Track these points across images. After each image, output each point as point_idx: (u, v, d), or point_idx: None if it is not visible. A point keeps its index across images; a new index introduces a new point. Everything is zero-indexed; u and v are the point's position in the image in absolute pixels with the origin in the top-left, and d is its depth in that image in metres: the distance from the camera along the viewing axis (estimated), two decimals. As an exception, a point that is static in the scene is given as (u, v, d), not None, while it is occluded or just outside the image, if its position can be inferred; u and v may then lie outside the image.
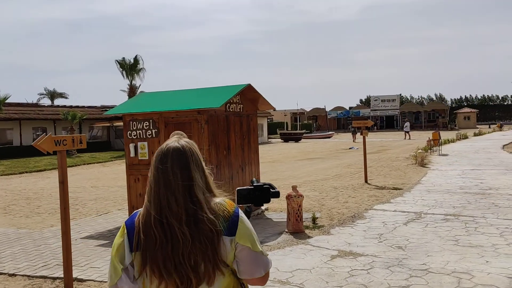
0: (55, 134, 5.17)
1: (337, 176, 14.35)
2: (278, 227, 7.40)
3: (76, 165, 23.44)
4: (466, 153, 20.80)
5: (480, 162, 16.64)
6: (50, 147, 4.70)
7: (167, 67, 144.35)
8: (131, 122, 8.15)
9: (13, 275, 5.62)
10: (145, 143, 8.01)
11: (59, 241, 7.00)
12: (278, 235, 6.90)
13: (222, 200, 1.58)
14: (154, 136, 7.94)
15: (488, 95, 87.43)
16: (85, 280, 5.27)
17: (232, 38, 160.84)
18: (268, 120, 49.91)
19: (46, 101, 53.71)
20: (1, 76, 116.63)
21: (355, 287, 4.62)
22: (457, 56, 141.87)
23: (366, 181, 12.53)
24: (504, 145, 25.41)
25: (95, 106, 38.28)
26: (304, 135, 44.19)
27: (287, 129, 51.53)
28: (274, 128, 52.34)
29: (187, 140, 1.63)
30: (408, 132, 38.39)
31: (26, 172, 21.12)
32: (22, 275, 5.59)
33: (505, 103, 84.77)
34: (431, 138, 23.19)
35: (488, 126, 60.19)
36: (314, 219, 7.60)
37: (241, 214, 1.59)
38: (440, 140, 22.61)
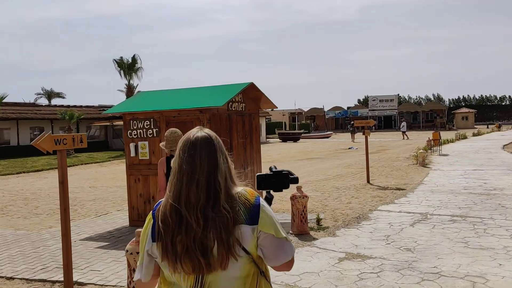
0: (53, 134, 5.01)
1: (338, 176, 14.21)
2: (282, 228, 7.24)
3: (73, 165, 23.21)
4: (467, 153, 20.72)
5: (481, 162, 16.55)
6: (50, 146, 4.53)
7: (164, 67, 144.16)
8: (131, 121, 7.99)
9: (11, 278, 5.45)
10: (146, 143, 7.85)
11: (58, 243, 6.83)
12: (283, 236, 6.73)
13: (243, 190, 1.60)
14: (155, 135, 7.78)
15: (486, 95, 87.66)
16: (85, 284, 5.11)
17: (230, 38, 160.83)
18: (266, 120, 49.79)
19: (44, 101, 53.36)
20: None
21: (365, 291, 4.47)
22: (455, 56, 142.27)
23: (368, 182, 12.40)
24: (504, 145, 25.35)
25: (93, 106, 38.05)
26: (302, 135, 44.07)
27: (285, 129, 51.39)
28: (272, 128, 52.20)
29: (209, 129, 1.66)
30: (404, 132, 38.29)
31: (24, 172, 20.89)
32: (20, 279, 5.41)
33: (503, 103, 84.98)
34: (431, 138, 23.09)
35: (486, 126, 60.24)
36: (318, 220, 7.46)
37: (262, 202, 1.61)
38: (440, 140, 22.49)
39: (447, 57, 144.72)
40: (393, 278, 4.78)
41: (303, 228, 6.80)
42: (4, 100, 25.48)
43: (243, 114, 8.53)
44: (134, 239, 4.35)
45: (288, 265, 1.61)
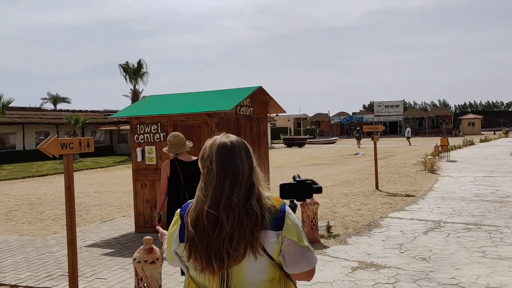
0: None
1: (346, 183, 14.02)
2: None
3: (78, 170, 23.13)
4: (475, 160, 20.46)
5: (491, 169, 16.30)
6: (56, 150, 4.40)
7: (168, 73, 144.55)
8: (138, 126, 7.87)
9: (15, 286, 5.31)
10: (153, 147, 7.72)
11: (63, 249, 6.70)
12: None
13: (270, 196, 1.64)
14: (162, 140, 7.64)
15: (492, 101, 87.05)
16: (91, 293, 4.96)
17: (234, 44, 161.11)
18: (271, 125, 49.62)
19: (49, 106, 53.51)
20: (5, 80, 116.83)
21: (382, 302, 4.29)
22: (461, 61, 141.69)
23: (377, 188, 12.20)
24: (512, 152, 25.06)
25: (98, 111, 38.10)
26: (307, 140, 43.87)
27: (290, 134, 51.21)
28: (277, 133, 52.01)
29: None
30: (409, 138, 38.03)
31: (29, 176, 20.84)
32: (25, 286, 5.27)
33: (510, 110, 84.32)
34: (438, 144, 22.86)
35: (493, 132, 59.74)
36: (328, 228, 7.28)
37: (288, 209, 1.63)
38: (448, 146, 22.25)
39: (453, 62, 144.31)
40: (410, 289, 4.60)
41: (313, 236, 6.62)
42: (10, 105, 25.51)
43: (251, 118, 8.40)
44: (142, 247, 4.20)
45: (308, 275, 1.61)
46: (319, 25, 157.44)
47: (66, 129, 31.07)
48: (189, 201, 1.67)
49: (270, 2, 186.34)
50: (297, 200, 1.83)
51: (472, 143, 33.82)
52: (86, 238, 7.59)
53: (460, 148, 29.78)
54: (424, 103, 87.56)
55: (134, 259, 4.14)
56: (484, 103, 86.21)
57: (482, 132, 58.44)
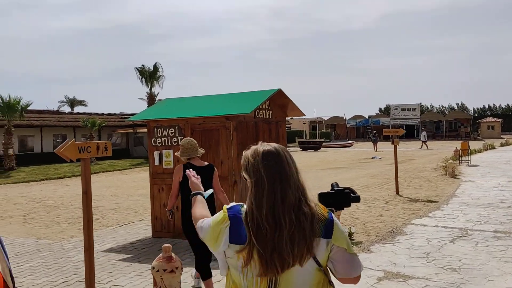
0: (76, 142, 4.81)
1: (364, 187, 13.73)
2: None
3: (95, 173, 23.25)
4: (497, 164, 19.92)
5: (515, 173, 15.82)
6: (74, 154, 4.29)
7: (182, 76, 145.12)
8: (155, 129, 7.76)
9: (31, 292, 5.22)
10: (170, 151, 7.60)
11: (80, 253, 6.61)
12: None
13: (317, 203, 1.70)
14: (179, 143, 7.50)
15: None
16: (108, 300, 4.83)
17: (247, 47, 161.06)
18: (286, 128, 49.32)
19: (66, 109, 54.28)
20: (23, 84, 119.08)
21: (412, 316, 4.06)
22: (480, 64, 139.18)
23: (397, 193, 11.90)
24: (535, 156, 24.36)
25: (114, 114, 38.38)
26: (323, 143, 43.48)
27: (305, 138, 50.87)
28: (292, 137, 51.72)
29: None
30: (425, 141, 37.33)
31: (46, 179, 21.01)
32: (41, 292, 5.18)
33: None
34: (459, 148, 22.34)
35: (513, 136, 58.39)
36: (350, 235, 7.06)
37: (335, 218, 1.69)
38: (469, 150, 21.72)
39: (471, 65, 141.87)
40: (441, 302, 4.35)
41: (335, 243, 6.40)
42: (28, 108, 25.84)
43: (269, 122, 8.22)
44: (160, 255, 4.06)
45: (356, 279, 1.69)
46: (334, 28, 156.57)
47: (83, 132, 31.34)
48: (235, 203, 1.74)
49: (284, 5, 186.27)
50: (336, 209, 1.84)
51: (492, 147, 33.04)
52: (102, 243, 7.49)
53: (480, 152, 29.10)
54: (442, 106, 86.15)
55: (153, 268, 3.99)
56: (503, 106, 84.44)
57: (502, 136, 57.14)
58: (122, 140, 35.50)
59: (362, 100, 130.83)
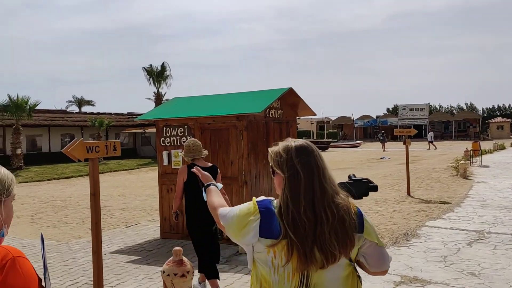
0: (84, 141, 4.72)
1: (375, 188, 13.51)
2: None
3: (102, 173, 23.21)
4: (509, 165, 19.60)
5: (528, 174, 15.52)
6: (82, 154, 4.17)
7: (189, 76, 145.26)
8: (164, 128, 7.64)
9: (39, 294, 5.10)
10: (179, 151, 7.46)
11: (87, 255, 6.50)
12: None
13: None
14: (189, 143, 7.37)
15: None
16: (116, 304, 4.71)
17: (255, 47, 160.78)
18: (294, 128, 49.04)
19: (74, 108, 54.43)
20: (32, 84, 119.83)
21: (433, 324, 3.89)
22: (488, 64, 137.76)
23: (408, 194, 11.69)
24: (548, 157, 23.97)
25: (122, 113, 38.40)
26: (330, 144, 43.22)
27: (313, 138, 50.61)
28: (299, 137, 51.16)
29: None
30: (431, 142, 36.95)
31: (54, 178, 21.01)
32: (48, 295, 5.05)
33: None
34: (470, 148, 22.02)
35: (523, 136, 57.69)
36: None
37: (364, 212, 1.71)
38: (480, 151, 21.41)
39: (479, 65, 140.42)
40: (463, 309, 4.17)
41: (348, 245, 6.23)
42: (36, 107, 25.88)
43: (280, 121, 8.07)
44: (171, 258, 3.92)
45: (385, 272, 1.74)
46: (341, 28, 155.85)
47: (91, 132, 31.37)
48: (265, 197, 1.71)
49: (291, 5, 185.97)
50: (354, 199, 1.82)
51: (503, 148, 32.65)
52: (110, 244, 7.38)
53: (491, 152, 28.73)
54: (450, 106, 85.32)
55: (163, 272, 3.86)
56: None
57: (511, 136, 56.51)
58: (130, 139, 35.50)
59: (370, 100, 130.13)
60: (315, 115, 8.99)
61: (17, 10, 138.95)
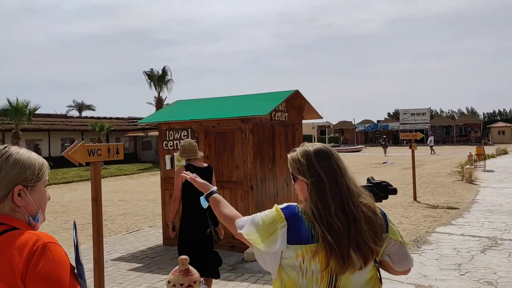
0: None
1: (380, 193, 13.30)
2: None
3: (103, 177, 23.02)
4: (514, 170, 19.40)
5: (535, 179, 15.31)
6: (83, 158, 3.97)
7: (190, 81, 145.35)
8: (167, 132, 7.44)
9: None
10: (183, 155, 7.26)
11: (88, 262, 6.26)
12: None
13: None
14: (192, 147, 7.17)
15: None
16: (118, 315, 4.49)
17: (256, 52, 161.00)
18: (295, 133, 48.89)
19: (75, 113, 54.23)
20: (32, 88, 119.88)
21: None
22: (489, 69, 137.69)
23: (415, 199, 11.48)
24: (552, 161, 23.77)
25: (122, 118, 38.25)
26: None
27: (314, 142, 50.35)
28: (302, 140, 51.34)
29: None
30: (431, 146, 36.79)
31: (54, 183, 20.79)
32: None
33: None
34: (473, 153, 21.83)
35: (524, 141, 57.47)
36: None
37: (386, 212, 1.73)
38: (484, 155, 21.21)
39: (480, 70, 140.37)
40: (484, 321, 3.96)
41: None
42: (36, 112, 25.71)
43: (286, 124, 7.88)
44: (177, 267, 3.70)
45: (409, 271, 1.77)
46: (342, 33, 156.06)
47: (91, 136, 31.21)
48: (288, 203, 1.68)
49: (292, 10, 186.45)
50: (375, 202, 1.80)
51: (506, 152, 32.45)
52: (111, 251, 7.17)
53: (494, 157, 28.56)
54: (451, 111, 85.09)
55: (169, 282, 3.64)
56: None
57: (513, 141, 56.32)
58: (130, 144, 35.32)
59: (371, 105, 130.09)
60: (322, 118, 8.81)
61: (19, 15, 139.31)
